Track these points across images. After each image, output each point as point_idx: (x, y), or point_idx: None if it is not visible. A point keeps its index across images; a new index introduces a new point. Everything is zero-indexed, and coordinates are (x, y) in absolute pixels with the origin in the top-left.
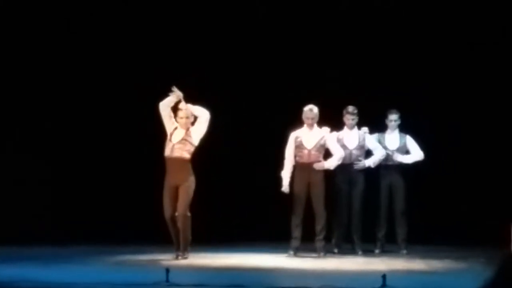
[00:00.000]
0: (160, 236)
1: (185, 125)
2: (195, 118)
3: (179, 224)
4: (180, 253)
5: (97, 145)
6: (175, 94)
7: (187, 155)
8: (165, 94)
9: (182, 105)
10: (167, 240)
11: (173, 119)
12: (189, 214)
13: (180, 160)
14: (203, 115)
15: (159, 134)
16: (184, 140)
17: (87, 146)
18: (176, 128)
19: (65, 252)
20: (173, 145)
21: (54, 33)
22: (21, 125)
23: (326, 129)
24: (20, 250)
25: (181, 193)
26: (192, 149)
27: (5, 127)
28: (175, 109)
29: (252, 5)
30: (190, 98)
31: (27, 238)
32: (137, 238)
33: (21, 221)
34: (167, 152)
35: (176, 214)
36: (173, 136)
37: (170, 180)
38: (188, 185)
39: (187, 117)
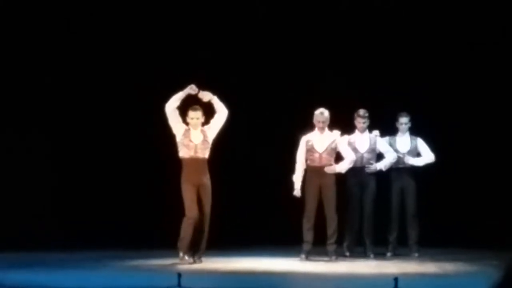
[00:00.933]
0: (171, 241)
1: (197, 125)
2: (206, 118)
3: (205, 225)
4: (197, 256)
5: (106, 149)
6: (192, 88)
7: (207, 156)
8: (169, 95)
9: (205, 94)
10: (180, 245)
11: (181, 123)
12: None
13: (203, 161)
14: (223, 113)
15: (168, 138)
16: (204, 140)
17: (96, 149)
18: (188, 129)
19: (75, 258)
20: (196, 146)
21: (57, 32)
22: (27, 128)
23: (337, 132)
24: (30, 255)
25: (205, 193)
26: (209, 148)
27: (12, 129)
28: (182, 111)
29: (265, 9)
30: (199, 102)
31: (36, 243)
32: (148, 243)
33: (31, 226)
34: (189, 153)
35: (201, 213)
36: (192, 137)
37: (192, 180)
38: (209, 185)
39: (197, 118)
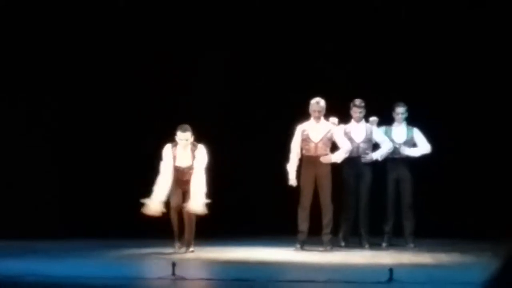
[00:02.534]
0: (166, 230)
1: (186, 146)
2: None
3: (189, 216)
4: (185, 247)
5: (101, 139)
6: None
7: (196, 177)
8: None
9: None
10: (173, 234)
11: (170, 147)
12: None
13: (188, 182)
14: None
15: (164, 129)
16: (191, 167)
17: (91, 140)
18: (175, 147)
19: (70, 246)
20: (183, 171)
21: (62, 29)
22: (26, 120)
23: (334, 120)
24: (24, 244)
25: (190, 188)
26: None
27: (12, 121)
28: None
29: None
30: (199, 95)
31: (31, 232)
32: (142, 232)
33: (25, 215)
34: (177, 175)
35: (185, 206)
36: (178, 161)
37: (178, 186)
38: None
39: (186, 139)
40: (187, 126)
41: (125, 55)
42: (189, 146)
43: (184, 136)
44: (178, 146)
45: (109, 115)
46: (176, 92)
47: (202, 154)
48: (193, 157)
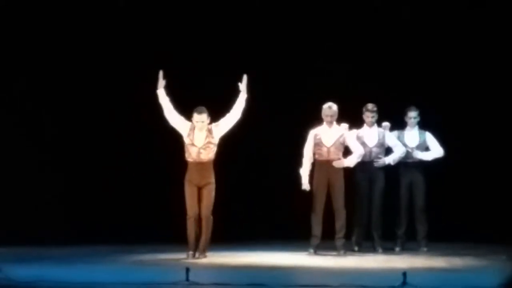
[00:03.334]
0: (179, 236)
1: (203, 128)
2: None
3: (204, 225)
4: (198, 254)
5: (113, 143)
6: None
7: (212, 157)
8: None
9: (245, 86)
10: (187, 243)
11: (184, 121)
12: (211, 216)
13: (208, 163)
14: (237, 115)
15: (175, 133)
16: (208, 143)
17: (103, 144)
18: (193, 129)
19: (82, 252)
20: (199, 149)
21: (64, 28)
22: (33, 124)
23: (344, 126)
24: (38, 250)
25: (205, 194)
26: (215, 149)
27: (19, 126)
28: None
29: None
30: (206, 96)
31: (44, 238)
32: (156, 238)
33: (39, 221)
34: (192, 155)
35: (200, 215)
36: (195, 140)
37: (193, 181)
38: (212, 186)
39: (202, 121)
40: (202, 108)
41: (127, 53)
42: (206, 128)
43: (200, 118)
44: (196, 129)
45: (116, 117)
46: (185, 91)
47: (217, 128)
48: (209, 133)
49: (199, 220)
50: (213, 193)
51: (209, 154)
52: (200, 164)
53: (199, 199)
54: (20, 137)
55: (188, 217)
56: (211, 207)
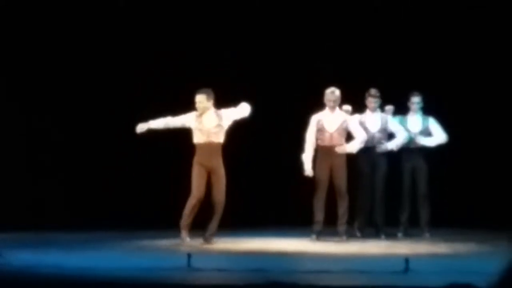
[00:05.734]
0: (179, 221)
1: (200, 109)
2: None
3: (217, 210)
4: (206, 236)
5: (113, 129)
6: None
7: (221, 141)
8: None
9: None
10: (183, 224)
11: (186, 115)
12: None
13: (217, 145)
14: (244, 113)
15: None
16: (218, 125)
17: (103, 129)
18: (200, 115)
19: (84, 238)
20: (209, 130)
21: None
22: (36, 112)
23: (347, 107)
24: (37, 236)
25: (216, 179)
26: (224, 134)
27: (22, 115)
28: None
29: None
30: (216, 84)
31: (45, 224)
32: (156, 224)
33: (40, 206)
34: (202, 137)
35: (213, 200)
36: (204, 122)
37: (203, 163)
38: (222, 171)
39: (199, 102)
40: (202, 89)
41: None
42: (213, 110)
43: (197, 99)
44: (200, 112)
45: (117, 104)
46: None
47: (226, 113)
48: (218, 116)
49: (202, 205)
50: (224, 178)
51: (218, 136)
52: (209, 146)
53: (210, 184)
54: (20, 122)
55: (192, 196)
56: (224, 192)
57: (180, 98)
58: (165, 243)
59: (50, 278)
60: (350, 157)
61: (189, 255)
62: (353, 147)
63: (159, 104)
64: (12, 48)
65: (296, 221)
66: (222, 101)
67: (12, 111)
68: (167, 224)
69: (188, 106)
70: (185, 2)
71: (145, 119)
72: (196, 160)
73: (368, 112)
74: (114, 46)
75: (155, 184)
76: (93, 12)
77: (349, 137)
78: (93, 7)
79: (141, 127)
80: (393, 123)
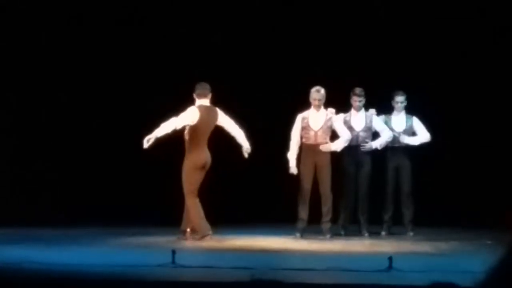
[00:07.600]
0: (166, 218)
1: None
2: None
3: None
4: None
5: (104, 124)
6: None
7: (187, 137)
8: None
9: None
10: (173, 222)
11: (188, 113)
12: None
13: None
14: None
15: (166, 116)
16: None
17: (93, 126)
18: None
19: (70, 234)
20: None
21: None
22: (26, 107)
23: (331, 110)
24: (24, 231)
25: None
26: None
27: (12, 109)
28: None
29: None
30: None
31: (30, 219)
32: (143, 220)
33: (25, 202)
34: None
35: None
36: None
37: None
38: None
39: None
40: (198, 84)
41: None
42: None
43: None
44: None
45: (114, 101)
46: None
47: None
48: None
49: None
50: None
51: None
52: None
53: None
54: (8, 117)
55: (197, 200)
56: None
57: (173, 98)
58: (151, 240)
59: (34, 275)
60: (334, 155)
61: (173, 252)
62: (337, 145)
63: (152, 102)
64: (12, 48)
65: (280, 219)
66: (212, 101)
67: (1, 107)
68: (154, 220)
69: (178, 103)
70: (172, 4)
71: (136, 116)
72: (197, 161)
73: (352, 111)
74: (111, 45)
75: (140, 181)
76: (93, 12)
77: (334, 135)
78: (93, 7)
79: (149, 139)
80: (377, 122)
